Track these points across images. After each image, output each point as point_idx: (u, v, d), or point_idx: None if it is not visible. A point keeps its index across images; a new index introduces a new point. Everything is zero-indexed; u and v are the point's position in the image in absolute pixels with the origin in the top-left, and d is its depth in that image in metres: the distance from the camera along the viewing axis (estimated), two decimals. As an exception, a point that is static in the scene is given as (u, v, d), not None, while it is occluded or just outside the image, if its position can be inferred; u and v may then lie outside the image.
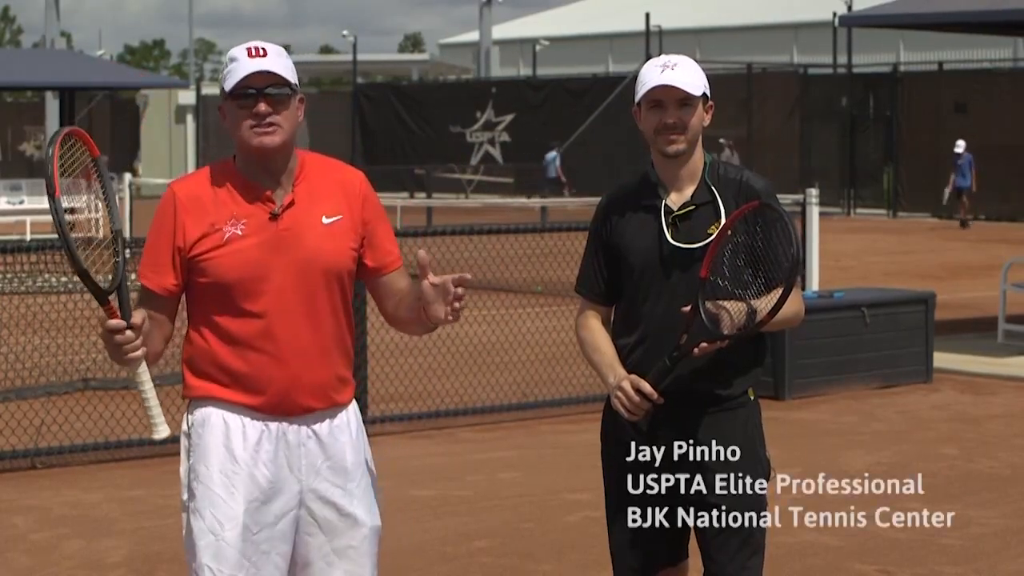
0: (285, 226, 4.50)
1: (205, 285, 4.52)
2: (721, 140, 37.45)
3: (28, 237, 26.00)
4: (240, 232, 4.48)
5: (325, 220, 4.54)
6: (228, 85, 4.49)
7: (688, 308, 4.74)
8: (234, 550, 4.47)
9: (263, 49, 4.49)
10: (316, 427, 4.57)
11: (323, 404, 4.57)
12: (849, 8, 46.05)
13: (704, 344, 4.72)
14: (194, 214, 4.50)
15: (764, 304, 4.70)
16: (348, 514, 4.60)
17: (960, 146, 34.42)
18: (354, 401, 4.72)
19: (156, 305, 4.60)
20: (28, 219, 28.21)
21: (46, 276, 15.55)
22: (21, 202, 29.19)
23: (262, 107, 4.46)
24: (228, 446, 4.51)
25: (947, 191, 35.06)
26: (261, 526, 4.50)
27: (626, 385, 4.82)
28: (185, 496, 4.59)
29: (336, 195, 4.59)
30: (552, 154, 40.24)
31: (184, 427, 4.65)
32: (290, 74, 4.51)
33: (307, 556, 4.59)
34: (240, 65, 4.47)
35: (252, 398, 4.51)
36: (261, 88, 4.46)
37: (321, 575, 4.60)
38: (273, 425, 4.53)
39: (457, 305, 4.38)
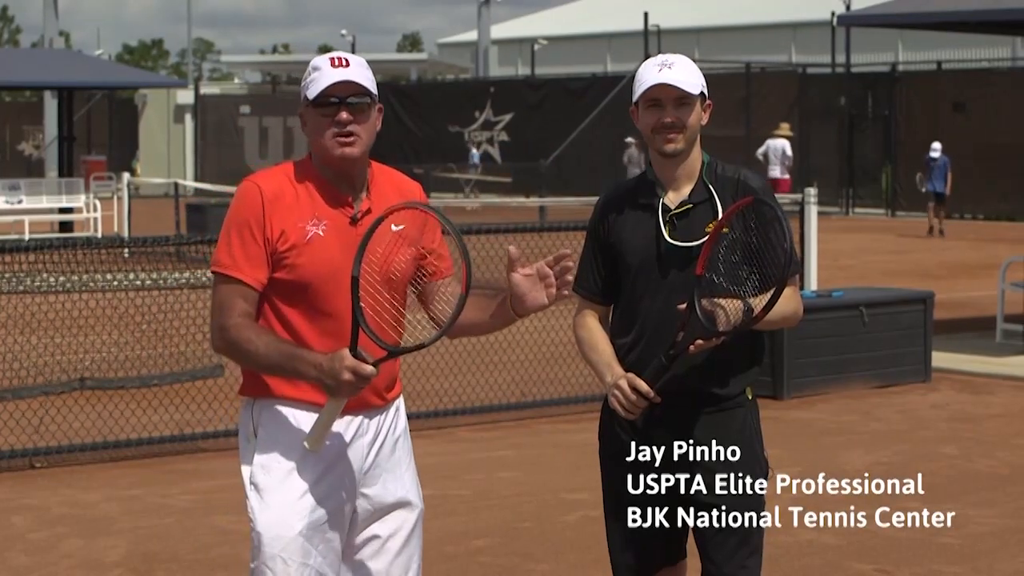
0: (362, 231, 4.58)
1: (283, 283, 4.60)
2: (628, 139, 38.21)
3: (27, 236, 25.99)
4: (322, 233, 4.59)
5: (394, 228, 4.65)
6: (311, 93, 4.61)
7: (683, 305, 4.73)
8: (304, 540, 4.60)
9: (346, 60, 4.64)
10: (376, 420, 4.73)
11: (383, 401, 4.75)
12: (848, 8, 46.11)
13: (699, 341, 4.71)
14: (279, 209, 4.61)
15: (759, 301, 4.69)
16: (398, 499, 4.76)
17: (936, 149, 32.30)
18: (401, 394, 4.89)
19: (249, 298, 4.63)
20: (27, 219, 28.19)
21: (44, 276, 15.53)
22: (20, 201, 29.16)
23: (344, 115, 4.60)
24: (298, 441, 4.62)
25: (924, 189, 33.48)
26: (328, 516, 4.63)
27: (623, 384, 4.81)
28: (250, 492, 4.67)
29: None
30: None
31: (249, 425, 4.72)
32: (371, 84, 4.67)
33: (362, 541, 4.75)
34: (323, 74, 4.61)
35: (321, 396, 4.58)
36: (343, 97, 4.60)
37: (375, 558, 4.75)
38: (338, 420, 4.63)
39: (565, 279, 4.50)
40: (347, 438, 4.66)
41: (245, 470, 4.70)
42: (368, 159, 4.73)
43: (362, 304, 4.45)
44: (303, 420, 4.63)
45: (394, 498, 4.75)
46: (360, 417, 4.68)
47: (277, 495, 4.61)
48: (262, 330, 4.59)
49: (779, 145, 32.46)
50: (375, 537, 4.75)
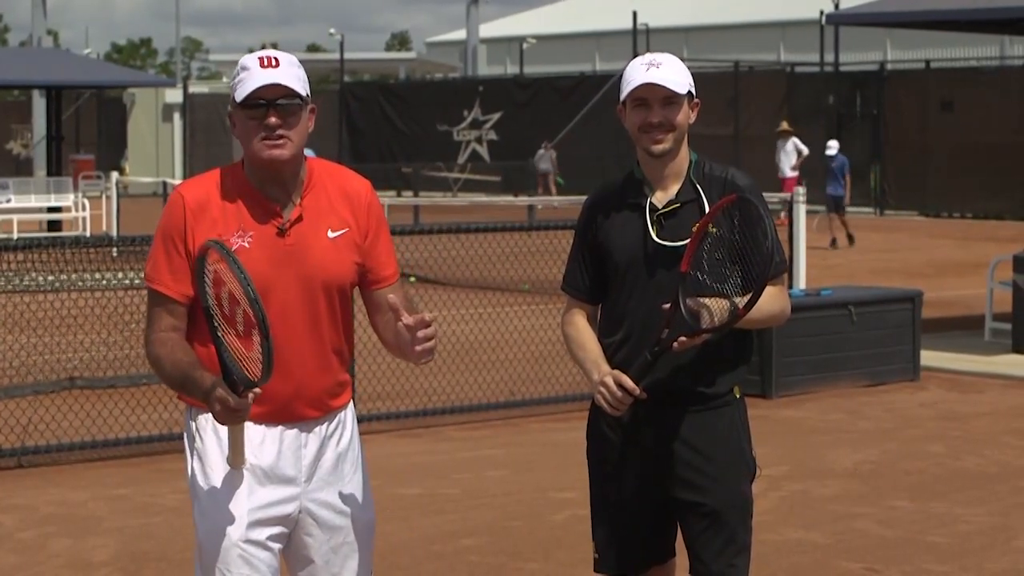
0: (291, 241, 4.51)
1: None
2: (544, 144, 39.01)
3: (15, 236, 25.95)
4: (247, 245, 4.47)
5: (331, 234, 4.56)
6: (239, 95, 4.47)
7: (667, 305, 4.74)
8: (239, 550, 4.50)
9: (275, 59, 4.48)
10: (316, 429, 4.62)
11: (321, 412, 4.62)
12: (836, 6, 46.08)
13: (683, 338, 4.71)
14: (203, 222, 4.49)
15: (743, 300, 4.70)
16: (344, 511, 4.65)
17: (832, 147, 29.34)
18: (351, 401, 4.77)
19: (175, 312, 4.54)
20: (15, 218, 28.15)
21: (32, 275, 15.52)
22: (8, 201, 29.13)
23: (272, 120, 4.45)
24: None
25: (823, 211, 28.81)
26: (263, 525, 4.53)
27: (608, 380, 4.81)
28: (192, 499, 4.61)
29: (342, 206, 4.61)
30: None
31: (188, 431, 4.65)
32: (301, 85, 4.50)
33: (307, 554, 4.65)
34: (251, 75, 4.45)
35: (253, 408, 4.48)
36: (272, 100, 4.45)
37: (321, 572, 4.66)
38: (274, 429, 4.56)
39: (420, 348, 4.40)
40: (288, 447, 4.56)
41: (188, 476, 4.62)
42: (303, 161, 4.58)
43: (221, 334, 4.28)
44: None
45: (338, 511, 4.63)
46: (297, 428, 4.57)
47: (215, 504, 4.51)
48: (176, 347, 4.48)
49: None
50: (320, 552, 4.63)
